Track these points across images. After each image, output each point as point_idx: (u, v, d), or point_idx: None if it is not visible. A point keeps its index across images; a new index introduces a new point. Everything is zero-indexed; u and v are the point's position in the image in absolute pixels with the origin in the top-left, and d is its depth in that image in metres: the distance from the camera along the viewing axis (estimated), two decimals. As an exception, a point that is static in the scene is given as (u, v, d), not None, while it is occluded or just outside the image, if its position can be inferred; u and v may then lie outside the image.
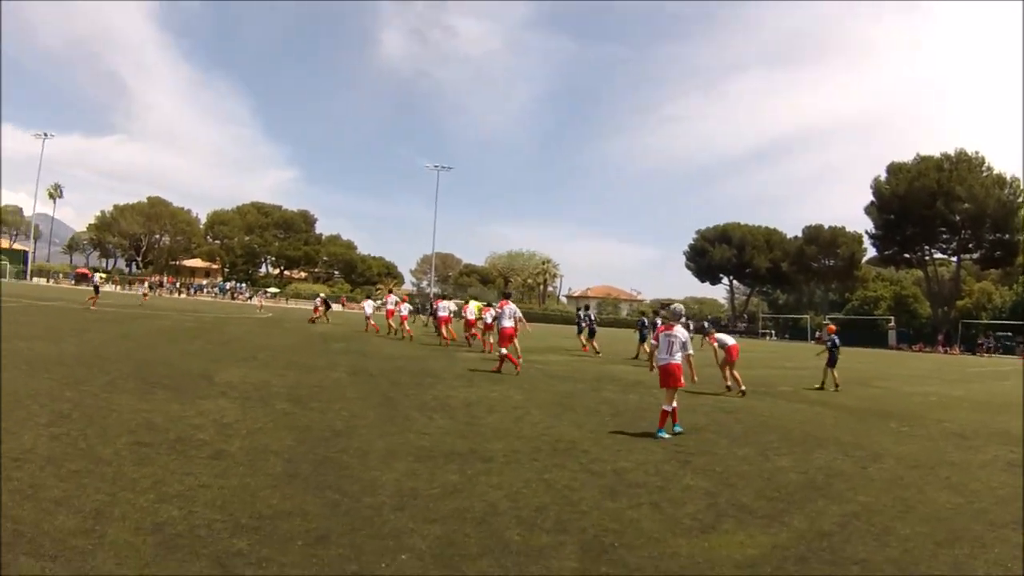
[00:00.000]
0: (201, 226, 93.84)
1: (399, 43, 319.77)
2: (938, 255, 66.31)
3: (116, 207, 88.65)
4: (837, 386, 14.55)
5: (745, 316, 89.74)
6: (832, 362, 14.83)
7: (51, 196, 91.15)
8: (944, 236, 62.83)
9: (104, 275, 55.22)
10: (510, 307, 14.53)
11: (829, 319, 68.98)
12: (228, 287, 74.81)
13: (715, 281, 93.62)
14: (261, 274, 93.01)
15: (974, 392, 16.87)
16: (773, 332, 78.66)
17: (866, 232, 69.91)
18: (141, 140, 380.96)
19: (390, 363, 14.58)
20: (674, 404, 7.79)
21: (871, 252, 73.98)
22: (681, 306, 8.54)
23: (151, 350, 13.59)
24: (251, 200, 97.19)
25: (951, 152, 60.19)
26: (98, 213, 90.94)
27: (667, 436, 7.50)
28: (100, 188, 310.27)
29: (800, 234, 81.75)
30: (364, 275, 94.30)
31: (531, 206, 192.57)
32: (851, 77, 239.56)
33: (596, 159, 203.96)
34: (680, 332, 7.96)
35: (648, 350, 21.45)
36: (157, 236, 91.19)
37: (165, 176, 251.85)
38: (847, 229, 75.86)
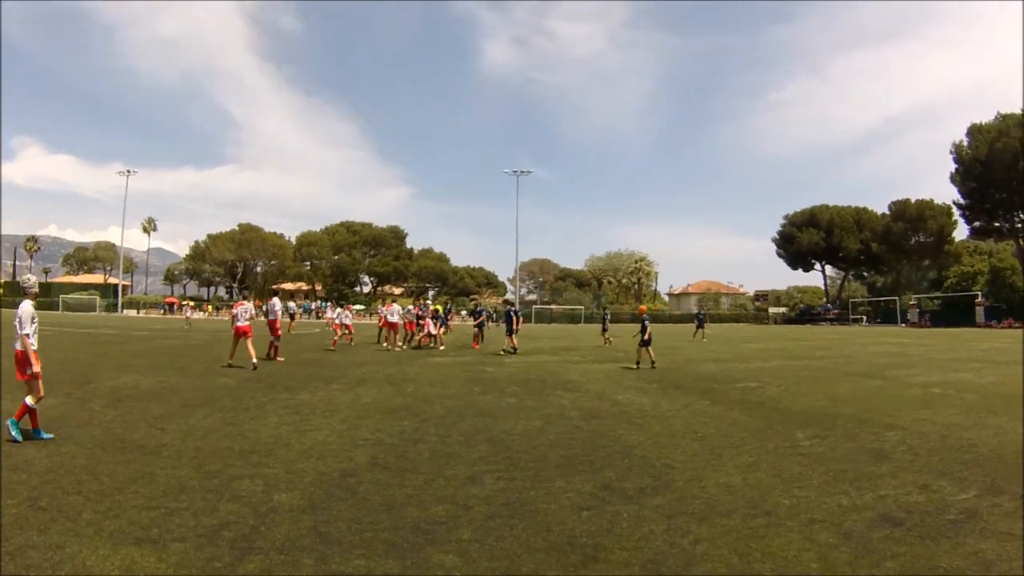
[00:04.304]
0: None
1: (502, 52, 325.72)
2: (1031, 221, 59.10)
3: (209, 236, 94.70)
4: (653, 363, 16.13)
5: (837, 302, 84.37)
6: (644, 343, 16.09)
7: (145, 230, 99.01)
8: (1033, 199, 55.76)
9: (193, 303, 58.95)
10: (245, 306, 15.40)
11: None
12: (313, 307, 77.94)
13: (807, 268, 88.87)
14: (354, 292, 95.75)
15: (1008, 378, 13.97)
16: (865, 317, 73.90)
17: (953, 203, 63.63)
18: (253, 168, 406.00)
19: (315, 370, 14.84)
20: (31, 401, 6.51)
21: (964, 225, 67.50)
22: (32, 278, 6.93)
23: (97, 361, 15.29)
24: (366, 220, 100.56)
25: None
26: (192, 244, 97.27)
27: (16, 436, 6.41)
28: (215, 219, 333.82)
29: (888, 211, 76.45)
30: (457, 286, 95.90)
31: (641, 205, 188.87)
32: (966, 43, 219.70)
33: (705, 151, 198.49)
34: (22, 308, 6.49)
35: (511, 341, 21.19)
36: (251, 262, 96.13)
37: (279, 201, 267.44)
38: (935, 201, 70.03)
